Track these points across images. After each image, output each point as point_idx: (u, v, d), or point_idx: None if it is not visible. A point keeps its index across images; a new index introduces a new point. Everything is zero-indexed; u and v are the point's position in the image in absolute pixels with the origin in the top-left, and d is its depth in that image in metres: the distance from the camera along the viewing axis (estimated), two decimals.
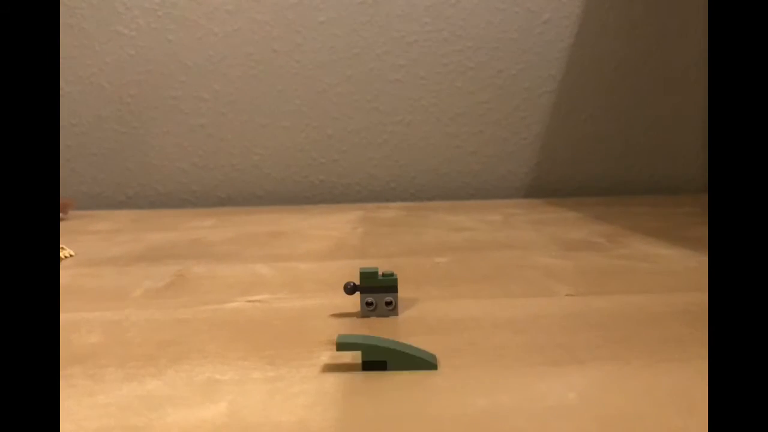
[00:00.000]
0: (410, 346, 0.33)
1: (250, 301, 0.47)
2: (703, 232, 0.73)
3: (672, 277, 0.52)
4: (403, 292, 0.49)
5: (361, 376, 0.32)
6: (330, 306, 0.45)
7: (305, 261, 0.62)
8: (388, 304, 0.42)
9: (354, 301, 0.46)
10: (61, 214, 0.97)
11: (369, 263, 0.59)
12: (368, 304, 0.42)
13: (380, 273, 0.42)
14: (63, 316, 0.45)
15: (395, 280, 0.42)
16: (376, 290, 0.42)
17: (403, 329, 0.40)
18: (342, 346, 0.32)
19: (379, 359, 0.32)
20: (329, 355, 0.35)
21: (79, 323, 0.43)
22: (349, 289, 0.41)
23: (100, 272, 0.60)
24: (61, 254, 0.66)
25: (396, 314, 0.42)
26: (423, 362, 0.32)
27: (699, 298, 0.45)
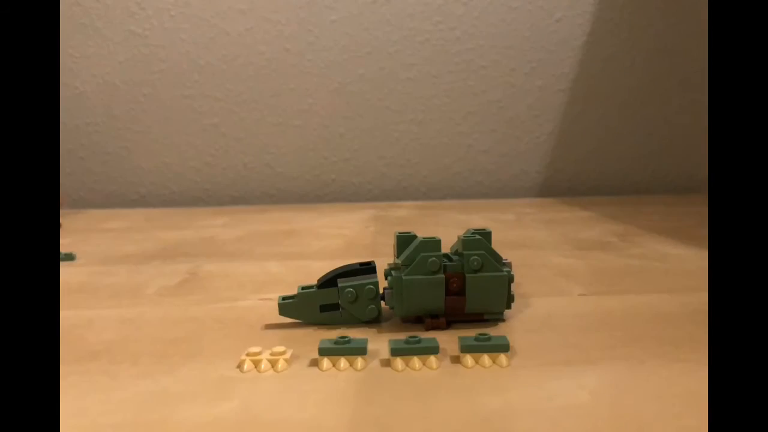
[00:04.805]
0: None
1: (262, 299, 0.48)
2: None
3: (685, 276, 0.51)
4: None
5: (373, 375, 0.32)
6: None
7: (317, 259, 0.62)
8: None
9: None
10: None
11: (381, 262, 0.59)
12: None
13: None
14: (78, 314, 0.45)
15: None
16: None
17: (410, 328, 0.40)
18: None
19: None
20: None
21: (93, 320, 0.43)
22: None
23: (113, 270, 0.60)
24: None
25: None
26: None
27: None
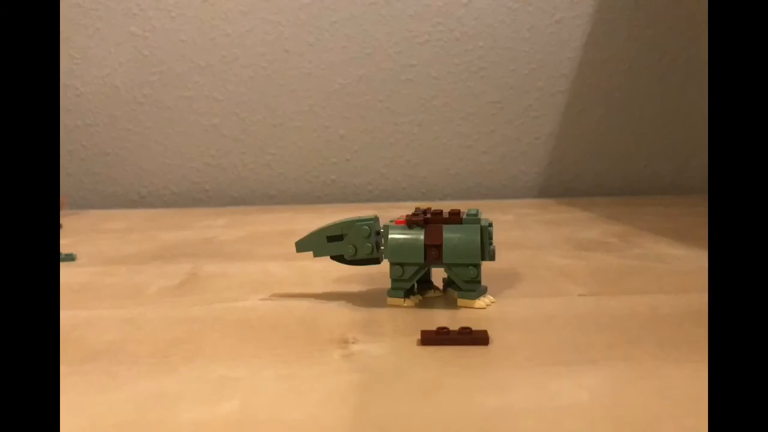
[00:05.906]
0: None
1: (262, 300, 0.48)
2: None
3: (685, 277, 0.52)
4: None
5: (372, 375, 0.32)
6: (341, 304, 0.45)
7: (317, 260, 0.62)
8: None
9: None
10: None
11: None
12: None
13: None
14: (78, 314, 0.45)
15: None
16: None
17: (410, 324, 0.40)
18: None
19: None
20: (341, 353, 0.35)
21: (94, 321, 0.43)
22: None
23: (114, 271, 0.60)
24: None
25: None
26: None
27: None
